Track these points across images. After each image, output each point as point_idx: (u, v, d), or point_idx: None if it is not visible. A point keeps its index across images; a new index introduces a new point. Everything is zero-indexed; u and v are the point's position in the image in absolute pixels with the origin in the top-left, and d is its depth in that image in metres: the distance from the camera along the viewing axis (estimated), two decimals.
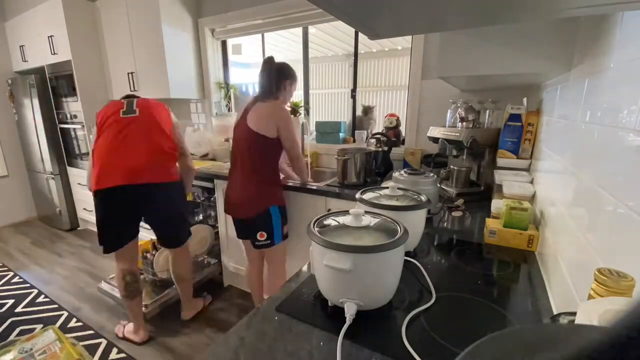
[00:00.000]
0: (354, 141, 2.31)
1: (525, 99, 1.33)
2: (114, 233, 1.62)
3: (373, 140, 1.96)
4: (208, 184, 2.11)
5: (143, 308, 1.84)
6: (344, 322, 0.59)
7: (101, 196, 1.51)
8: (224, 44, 2.80)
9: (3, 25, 3.31)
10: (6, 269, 2.60)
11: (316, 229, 0.67)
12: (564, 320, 0.48)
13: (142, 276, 2.08)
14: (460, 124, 1.51)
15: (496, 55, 0.98)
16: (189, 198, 2.37)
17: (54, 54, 2.83)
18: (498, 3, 0.47)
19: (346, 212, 0.74)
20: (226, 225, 2.10)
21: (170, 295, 1.94)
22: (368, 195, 0.93)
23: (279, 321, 0.64)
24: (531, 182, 1.20)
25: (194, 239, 2.17)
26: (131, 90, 2.76)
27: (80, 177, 3.13)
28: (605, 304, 0.36)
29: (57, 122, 3.11)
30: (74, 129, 2.99)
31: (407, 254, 0.89)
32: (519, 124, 1.29)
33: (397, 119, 2.12)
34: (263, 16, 2.34)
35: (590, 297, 0.41)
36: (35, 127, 3.15)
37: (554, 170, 0.89)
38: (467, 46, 1.02)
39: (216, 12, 2.55)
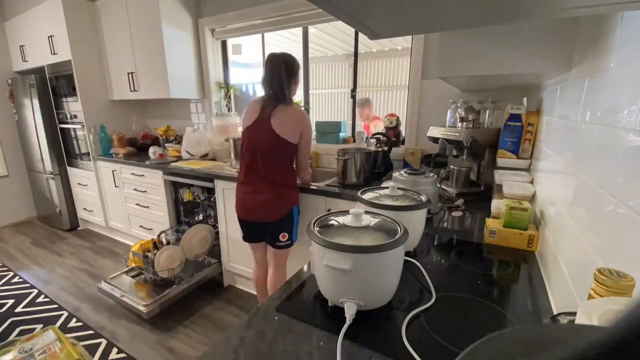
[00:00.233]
0: (354, 141, 2.31)
1: (525, 99, 1.33)
2: None
3: (373, 140, 1.96)
4: (208, 184, 2.11)
5: (142, 308, 1.83)
6: (344, 322, 0.59)
7: None
8: (224, 44, 2.80)
9: (3, 25, 3.31)
10: (6, 269, 2.60)
11: (316, 229, 0.67)
12: (564, 320, 0.48)
13: (142, 276, 2.08)
14: (460, 124, 1.51)
15: (496, 55, 0.98)
16: (189, 197, 2.37)
17: (54, 54, 2.83)
18: (498, 3, 0.47)
19: (346, 212, 0.74)
20: (226, 225, 2.10)
21: (170, 295, 1.94)
22: (368, 195, 0.93)
23: (279, 321, 0.64)
24: (531, 182, 1.20)
25: (195, 239, 2.18)
26: (131, 91, 2.76)
27: (80, 177, 3.13)
28: (605, 304, 0.36)
29: (57, 122, 3.11)
30: (74, 129, 2.99)
31: (407, 254, 0.89)
32: (519, 124, 1.29)
33: (397, 119, 2.12)
34: (263, 16, 2.34)
35: (590, 297, 0.41)
36: (35, 127, 3.15)
37: (554, 170, 0.89)
38: (467, 46, 1.02)
39: (216, 12, 2.55)
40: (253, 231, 1.63)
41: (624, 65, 0.52)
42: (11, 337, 1.79)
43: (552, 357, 0.12)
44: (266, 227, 1.57)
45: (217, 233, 2.23)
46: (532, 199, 1.10)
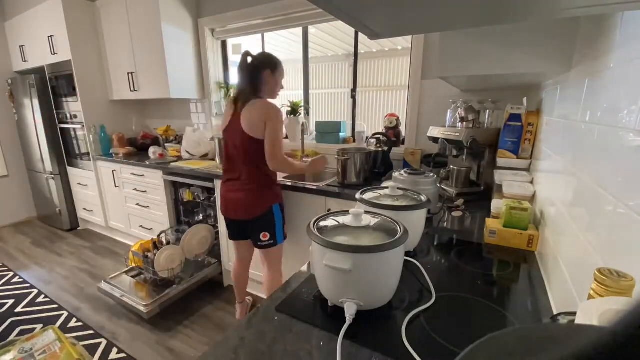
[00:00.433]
0: (354, 141, 2.31)
1: (525, 99, 1.33)
2: None
3: (373, 140, 1.96)
4: (208, 184, 2.11)
5: (142, 308, 1.83)
6: (344, 322, 0.59)
7: None
8: (224, 44, 2.80)
9: (3, 25, 3.31)
10: (6, 269, 2.60)
11: (316, 229, 0.67)
12: (564, 320, 0.48)
13: (142, 276, 2.08)
14: (460, 124, 1.51)
15: (496, 55, 0.98)
16: (189, 197, 2.37)
17: (54, 54, 2.83)
18: (498, 3, 0.47)
19: (346, 212, 0.74)
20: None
21: (170, 295, 1.94)
22: (368, 195, 0.93)
23: (279, 321, 0.64)
24: (531, 182, 1.20)
25: (195, 239, 2.17)
26: (131, 91, 2.76)
27: (80, 177, 3.13)
28: (605, 304, 0.36)
29: (57, 122, 3.11)
30: (74, 129, 2.99)
31: (407, 254, 0.89)
32: (519, 124, 1.29)
33: (397, 119, 2.12)
34: (263, 16, 2.34)
35: (590, 297, 0.41)
36: (35, 127, 3.15)
37: (554, 170, 0.89)
38: (467, 46, 1.02)
39: (216, 12, 2.55)
40: (235, 229, 1.67)
41: (624, 65, 0.52)
42: (11, 337, 1.79)
43: (552, 357, 0.12)
44: (247, 226, 1.59)
45: (217, 233, 2.23)
46: (532, 199, 1.10)
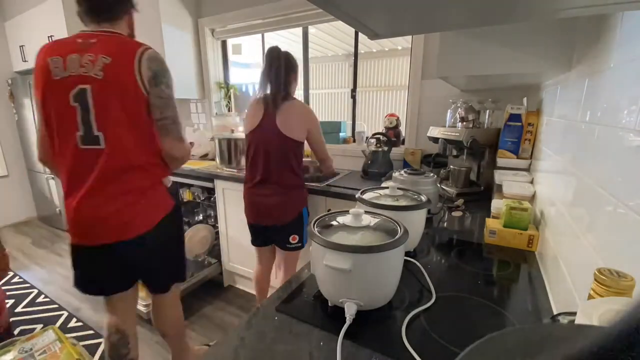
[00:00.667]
0: (354, 141, 2.32)
1: (525, 99, 1.33)
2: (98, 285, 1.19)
3: (373, 140, 1.96)
4: (208, 184, 2.11)
5: (142, 308, 1.83)
6: (344, 322, 0.59)
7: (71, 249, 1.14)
8: (224, 44, 2.80)
9: (3, 25, 3.31)
10: None
11: (316, 229, 0.67)
12: (564, 320, 0.48)
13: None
14: (460, 124, 1.52)
15: (496, 55, 0.98)
16: (189, 197, 2.37)
17: None
18: (498, 3, 0.47)
19: (346, 212, 0.74)
20: (226, 225, 2.09)
21: None
22: (368, 195, 0.93)
23: (279, 321, 0.64)
24: (531, 182, 1.20)
25: (195, 239, 2.17)
26: None
27: None
28: (605, 304, 0.36)
29: None
30: None
31: (407, 254, 0.89)
32: (519, 124, 1.29)
33: (397, 119, 2.12)
34: (263, 16, 2.34)
35: (590, 297, 0.41)
36: (35, 127, 3.15)
37: (554, 170, 0.89)
38: (467, 46, 1.02)
39: (216, 12, 2.55)
40: (262, 235, 1.60)
41: (624, 65, 0.52)
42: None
43: (552, 357, 0.12)
44: (276, 230, 1.53)
45: (217, 233, 2.23)
46: (532, 199, 1.10)
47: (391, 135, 2.05)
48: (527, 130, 1.29)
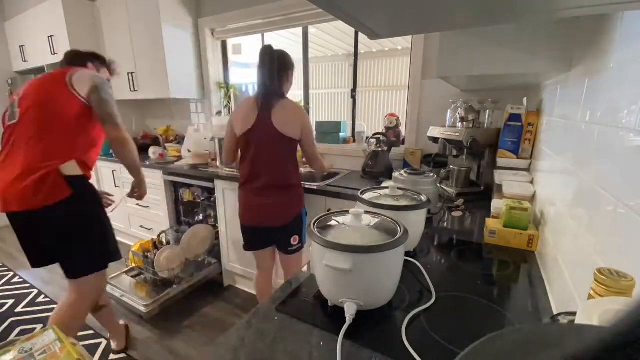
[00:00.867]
0: (354, 141, 2.31)
1: (525, 99, 1.33)
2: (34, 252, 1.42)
3: (373, 140, 1.96)
4: (208, 184, 2.11)
5: (142, 308, 1.84)
6: (344, 322, 0.59)
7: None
8: (224, 44, 2.80)
9: (3, 25, 3.31)
10: (6, 269, 2.60)
11: (316, 229, 0.67)
12: (564, 320, 0.48)
13: (142, 276, 2.08)
14: (460, 124, 1.52)
15: (496, 55, 0.98)
16: (189, 197, 2.37)
17: (54, 54, 2.83)
18: (498, 3, 0.47)
19: (346, 212, 0.74)
20: (226, 225, 2.10)
21: (171, 295, 1.94)
22: (368, 195, 0.93)
23: (279, 321, 0.64)
24: (531, 182, 1.20)
25: (195, 239, 2.17)
26: (131, 91, 2.76)
27: None
28: (605, 304, 0.36)
29: None
30: None
31: (407, 254, 0.89)
32: (519, 124, 1.29)
33: (397, 119, 2.12)
34: (263, 16, 2.34)
35: (590, 297, 0.41)
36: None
37: (554, 170, 0.89)
38: (467, 46, 1.02)
39: (216, 12, 2.55)
40: (258, 237, 1.55)
41: (623, 65, 0.52)
42: (11, 337, 1.79)
43: (552, 357, 0.12)
44: (277, 231, 1.49)
45: (217, 233, 2.23)
46: (532, 199, 1.10)
47: (391, 135, 2.05)
48: (527, 130, 1.29)
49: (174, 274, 2.00)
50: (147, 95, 2.72)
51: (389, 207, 0.84)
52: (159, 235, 2.18)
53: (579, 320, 0.38)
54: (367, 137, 2.14)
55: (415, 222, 0.87)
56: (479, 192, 1.48)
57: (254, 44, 2.89)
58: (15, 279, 2.43)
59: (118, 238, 3.13)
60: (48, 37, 2.80)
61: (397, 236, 0.63)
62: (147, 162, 2.47)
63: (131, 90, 2.77)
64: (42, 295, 2.20)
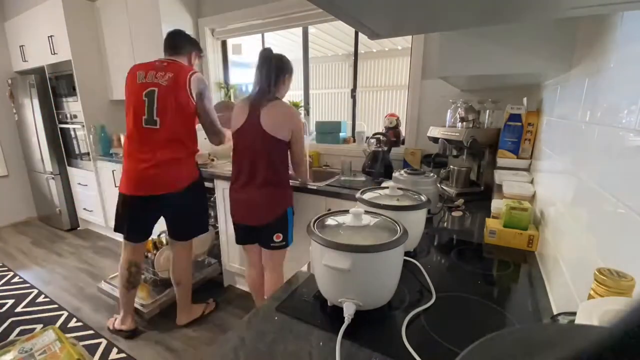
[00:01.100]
0: (354, 141, 2.31)
1: (525, 99, 1.33)
2: (133, 230, 1.71)
3: (373, 140, 1.96)
4: (208, 184, 2.10)
5: (142, 308, 1.84)
6: (344, 322, 0.59)
7: (122, 199, 1.66)
8: (224, 44, 2.80)
9: (3, 25, 3.31)
10: (6, 269, 2.60)
11: (316, 228, 0.67)
12: (564, 320, 0.48)
13: (142, 276, 2.08)
14: (460, 124, 1.51)
15: (496, 55, 0.98)
16: None
17: (54, 54, 2.83)
18: (498, 3, 0.47)
19: (346, 212, 0.74)
20: (226, 225, 2.10)
21: (171, 295, 1.94)
22: (368, 195, 0.93)
23: (279, 321, 0.64)
24: (531, 182, 1.20)
25: (196, 240, 2.17)
26: None
27: (80, 177, 3.13)
28: (605, 304, 0.36)
29: (57, 122, 3.11)
30: (74, 129, 2.99)
31: (407, 254, 0.89)
32: (519, 124, 1.29)
33: (397, 119, 2.12)
34: (263, 16, 2.34)
35: (590, 297, 0.41)
36: (35, 127, 3.14)
37: (554, 170, 0.89)
38: (467, 46, 1.02)
39: (216, 12, 2.55)
40: (247, 233, 1.61)
41: (624, 65, 0.52)
42: (11, 337, 1.79)
43: (552, 357, 0.12)
44: (260, 229, 1.54)
45: (217, 233, 2.23)
46: (532, 199, 1.10)
47: (391, 135, 2.05)
48: (527, 130, 1.29)
49: None
50: None
51: (389, 207, 0.84)
52: (158, 236, 2.17)
53: (579, 320, 0.38)
54: (367, 137, 2.14)
55: (415, 222, 0.87)
56: (479, 192, 1.48)
57: (254, 44, 2.89)
58: (15, 279, 2.43)
59: (117, 238, 3.14)
60: (48, 37, 2.80)
61: (396, 236, 0.63)
62: None
63: None
64: (42, 295, 2.20)
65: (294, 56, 1.53)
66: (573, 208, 0.67)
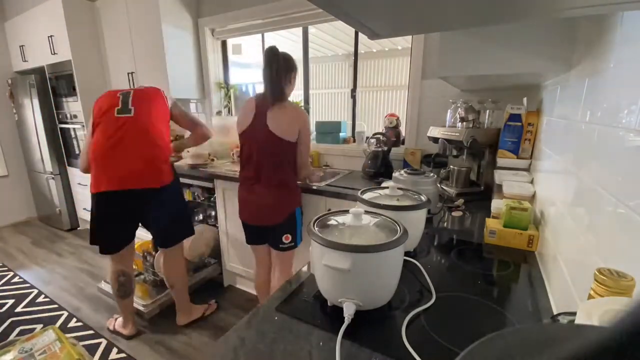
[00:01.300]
0: (354, 141, 2.31)
1: (525, 99, 1.33)
2: (109, 236, 1.63)
3: (373, 140, 1.96)
4: (208, 184, 2.10)
5: (142, 308, 1.84)
6: (344, 322, 0.59)
7: (97, 199, 1.54)
8: (224, 44, 2.80)
9: (3, 25, 3.31)
10: (6, 269, 2.60)
11: (316, 228, 0.67)
12: (564, 320, 0.48)
13: (142, 276, 2.08)
14: (460, 124, 1.51)
15: (496, 55, 0.98)
16: (189, 197, 2.37)
17: (54, 54, 2.83)
18: (498, 3, 0.47)
19: (346, 212, 0.74)
20: (226, 225, 2.10)
21: (170, 295, 1.94)
22: (368, 195, 0.93)
23: (279, 321, 0.64)
24: (531, 182, 1.20)
25: (199, 240, 2.17)
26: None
27: (80, 177, 3.13)
28: (605, 304, 0.36)
29: (57, 122, 3.11)
30: (74, 129, 2.99)
31: (407, 254, 0.89)
32: (519, 124, 1.29)
33: (397, 119, 2.11)
34: (263, 16, 2.34)
35: (590, 297, 0.41)
36: (35, 127, 3.15)
37: (554, 170, 0.89)
38: (467, 46, 1.02)
39: (216, 12, 2.55)
40: (256, 234, 1.60)
41: (624, 65, 0.52)
42: (11, 337, 1.79)
43: (552, 357, 0.12)
44: (269, 229, 1.54)
45: (217, 233, 2.23)
46: (532, 199, 1.10)
47: (391, 135, 2.05)
48: (527, 130, 1.29)
49: None
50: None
51: (389, 207, 0.84)
52: None
53: (579, 320, 0.38)
54: (367, 137, 2.14)
55: (415, 222, 0.87)
56: (479, 192, 1.48)
57: (254, 44, 2.89)
58: (15, 279, 2.43)
59: None
60: (48, 37, 2.80)
61: (396, 236, 0.63)
62: None
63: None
64: (42, 295, 2.20)
65: (294, 56, 1.53)
66: (573, 208, 0.67)
